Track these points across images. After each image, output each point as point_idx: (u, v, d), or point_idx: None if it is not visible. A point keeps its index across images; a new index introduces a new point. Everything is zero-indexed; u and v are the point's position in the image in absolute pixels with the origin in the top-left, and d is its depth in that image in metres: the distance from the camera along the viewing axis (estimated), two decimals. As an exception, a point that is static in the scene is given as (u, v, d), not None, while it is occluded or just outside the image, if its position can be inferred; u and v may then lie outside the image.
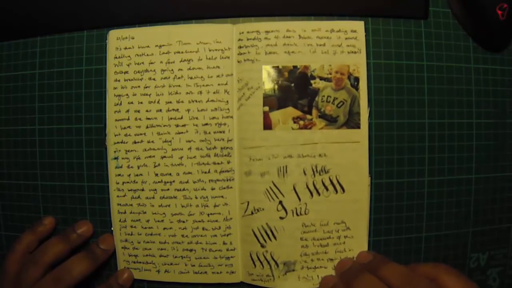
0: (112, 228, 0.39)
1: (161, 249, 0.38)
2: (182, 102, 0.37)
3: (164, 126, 0.38)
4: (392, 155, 0.38)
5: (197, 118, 0.37)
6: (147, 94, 0.38)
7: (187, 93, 0.37)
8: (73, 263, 0.36)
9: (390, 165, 0.38)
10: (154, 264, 0.39)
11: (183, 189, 0.38)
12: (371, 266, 0.35)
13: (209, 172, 0.38)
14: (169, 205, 0.38)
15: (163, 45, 0.38)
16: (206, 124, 0.37)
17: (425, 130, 0.38)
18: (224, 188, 0.38)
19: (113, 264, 0.39)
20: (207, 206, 0.38)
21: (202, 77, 0.37)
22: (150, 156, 0.38)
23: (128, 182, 0.38)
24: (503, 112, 0.39)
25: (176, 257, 0.38)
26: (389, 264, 0.34)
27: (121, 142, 0.38)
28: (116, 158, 0.38)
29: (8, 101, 0.40)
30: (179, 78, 0.37)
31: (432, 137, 0.38)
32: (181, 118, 0.37)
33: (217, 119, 0.37)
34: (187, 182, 0.38)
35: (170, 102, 0.38)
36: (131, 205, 0.38)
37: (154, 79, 0.38)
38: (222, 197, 0.38)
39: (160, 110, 0.38)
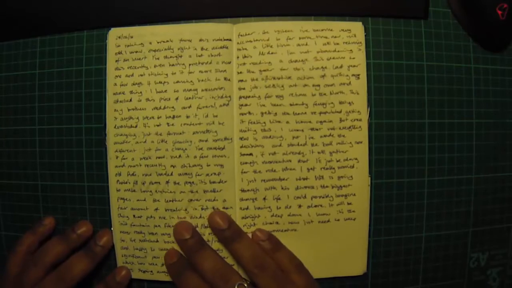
0: (112, 228, 0.39)
1: (162, 249, 0.38)
2: (182, 102, 0.37)
3: (163, 125, 0.38)
4: (392, 155, 0.38)
5: (197, 117, 0.37)
6: (145, 94, 0.38)
7: (186, 93, 0.37)
8: (73, 263, 0.36)
9: (390, 165, 0.38)
10: (154, 264, 0.39)
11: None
12: (222, 236, 0.36)
13: (208, 171, 0.38)
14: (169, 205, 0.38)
15: (163, 44, 0.38)
16: (207, 124, 0.37)
17: (425, 130, 0.38)
18: (220, 187, 0.38)
19: (113, 264, 0.39)
20: (206, 208, 0.38)
21: (202, 77, 0.37)
22: (150, 157, 0.38)
23: (128, 182, 0.38)
24: (503, 112, 0.39)
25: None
26: (242, 238, 0.36)
27: (121, 142, 0.38)
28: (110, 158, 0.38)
29: (8, 101, 0.40)
30: (178, 78, 0.37)
31: (432, 137, 0.38)
32: (180, 117, 0.37)
33: (217, 118, 0.37)
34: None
35: (169, 101, 0.38)
36: (129, 205, 0.38)
37: (154, 79, 0.38)
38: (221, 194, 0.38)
39: (160, 109, 0.38)
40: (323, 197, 0.37)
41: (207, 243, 0.37)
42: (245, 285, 0.34)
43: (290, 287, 0.34)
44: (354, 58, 0.37)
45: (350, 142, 0.37)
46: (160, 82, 0.38)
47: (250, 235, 0.37)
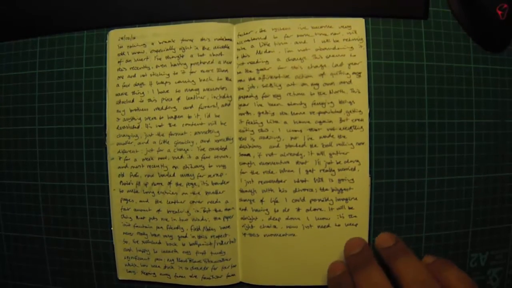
0: (112, 228, 0.39)
1: (164, 251, 0.38)
2: (184, 102, 0.37)
3: (165, 126, 0.38)
4: (392, 155, 0.38)
5: (199, 117, 0.37)
6: (147, 94, 0.38)
7: (187, 93, 0.37)
8: None
9: (390, 165, 0.38)
10: (157, 266, 0.38)
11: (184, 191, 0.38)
12: (388, 253, 0.33)
13: (210, 172, 0.38)
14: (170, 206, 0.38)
15: (165, 44, 0.38)
16: (209, 124, 0.37)
17: (425, 130, 0.38)
18: (222, 189, 0.38)
19: (113, 265, 0.39)
20: (208, 210, 0.38)
21: (204, 77, 0.37)
22: (152, 158, 0.38)
23: (131, 183, 0.38)
24: (503, 112, 0.39)
25: (177, 259, 0.38)
26: (408, 256, 0.32)
27: (124, 143, 0.38)
28: (113, 159, 0.38)
29: (8, 101, 0.40)
30: (180, 78, 0.37)
31: (432, 137, 0.38)
32: (182, 117, 0.37)
33: (219, 118, 0.37)
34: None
35: (171, 101, 0.38)
36: (132, 206, 0.38)
37: (156, 79, 0.38)
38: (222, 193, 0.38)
39: (162, 110, 0.38)
40: (322, 201, 0.37)
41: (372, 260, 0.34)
42: None
43: None
44: (355, 55, 0.37)
45: (351, 143, 0.37)
46: (162, 83, 0.38)
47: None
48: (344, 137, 0.37)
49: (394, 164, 0.38)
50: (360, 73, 0.37)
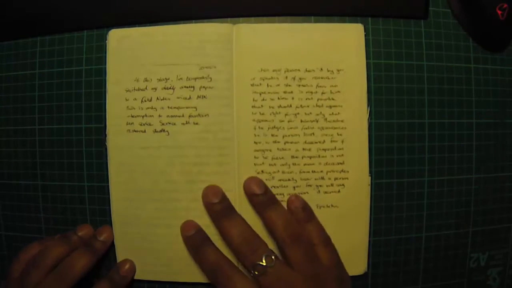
0: (112, 228, 0.39)
1: (162, 250, 0.38)
2: (184, 102, 0.37)
3: (164, 124, 0.38)
4: (392, 155, 0.38)
5: (198, 116, 0.37)
6: (147, 94, 0.38)
7: (186, 92, 0.37)
8: (74, 259, 0.35)
9: (390, 165, 0.38)
10: (154, 265, 0.38)
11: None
12: (259, 200, 0.35)
13: (209, 170, 0.38)
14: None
15: (164, 44, 0.38)
16: (208, 123, 0.37)
17: (425, 130, 0.38)
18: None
19: (113, 265, 0.39)
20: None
21: (203, 77, 0.37)
22: (151, 156, 0.38)
23: (130, 182, 0.38)
24: (503, 112, 0.39)
25: (177, 257, 0.38)
26: (278, 206, 0.35)
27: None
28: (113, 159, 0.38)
29: (8, 101, 0.40)
30: (180, 78, 0.38)
31: (432, 137, 0.38)
32: (182, 116, 0.37)
33: (219, 118, 0.37)
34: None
35: (170, 100, 0.38)
36: (133, 204, 0.38)
37: (154, 79, 0.38)
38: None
39: (159, 109, 0.38)
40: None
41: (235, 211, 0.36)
42: (273, 257, 0.33)
43: (316, 264, 0.33)
44: (353, 60, 0.37)
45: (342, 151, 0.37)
46: (162, 82, 0.38)
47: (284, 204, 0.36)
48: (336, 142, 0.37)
49: (394, 164, 0.38)
50: (357, 76, 0.37)
